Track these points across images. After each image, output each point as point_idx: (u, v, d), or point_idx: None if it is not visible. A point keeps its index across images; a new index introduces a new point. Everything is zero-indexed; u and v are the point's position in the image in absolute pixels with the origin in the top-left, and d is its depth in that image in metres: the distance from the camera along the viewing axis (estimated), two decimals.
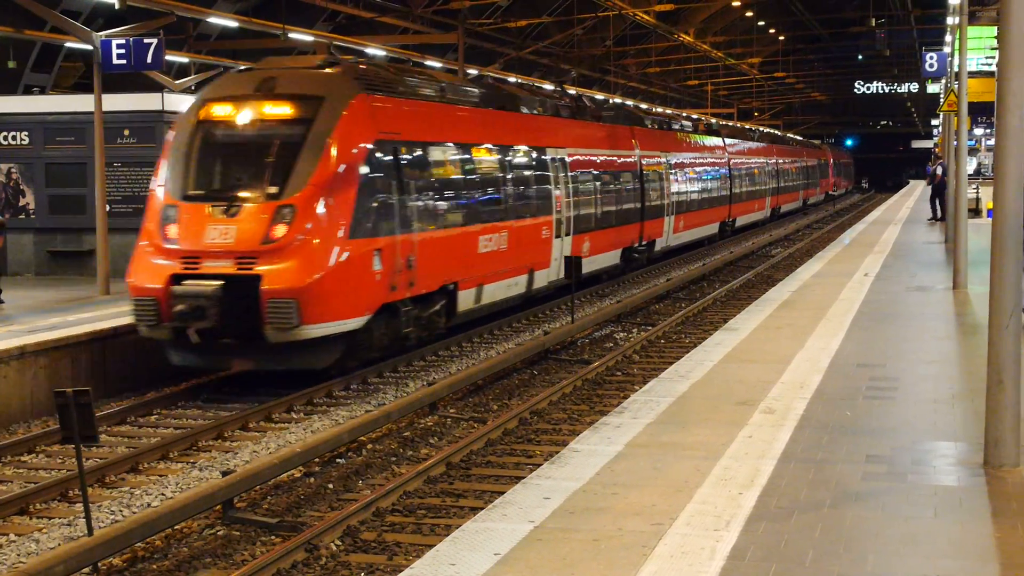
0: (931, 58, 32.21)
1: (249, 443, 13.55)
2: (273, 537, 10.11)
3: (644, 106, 52.43)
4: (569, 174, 24.00)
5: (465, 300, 18.95)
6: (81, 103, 23.43)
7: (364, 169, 15.93)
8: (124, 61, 20.00)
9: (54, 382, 14.92)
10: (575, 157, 24.54)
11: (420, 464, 12.03)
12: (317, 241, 15.11)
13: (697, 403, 10.46)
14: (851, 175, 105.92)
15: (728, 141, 43.97)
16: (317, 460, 12.40)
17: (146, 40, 20.01)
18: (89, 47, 20.53)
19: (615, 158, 27.96)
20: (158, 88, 27.27)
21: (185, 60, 36.96)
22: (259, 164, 15.78)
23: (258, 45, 38.48)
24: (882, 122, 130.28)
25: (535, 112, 23.91)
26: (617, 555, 6.55)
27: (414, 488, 11.29)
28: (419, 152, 17.76)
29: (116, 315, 17.38)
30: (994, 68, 8.09)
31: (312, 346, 15.23)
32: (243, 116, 16.14)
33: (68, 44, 32.25)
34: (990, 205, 8.05)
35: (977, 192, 36.40)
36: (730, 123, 57.56)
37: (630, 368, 17.57)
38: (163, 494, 11.48)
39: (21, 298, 19.75)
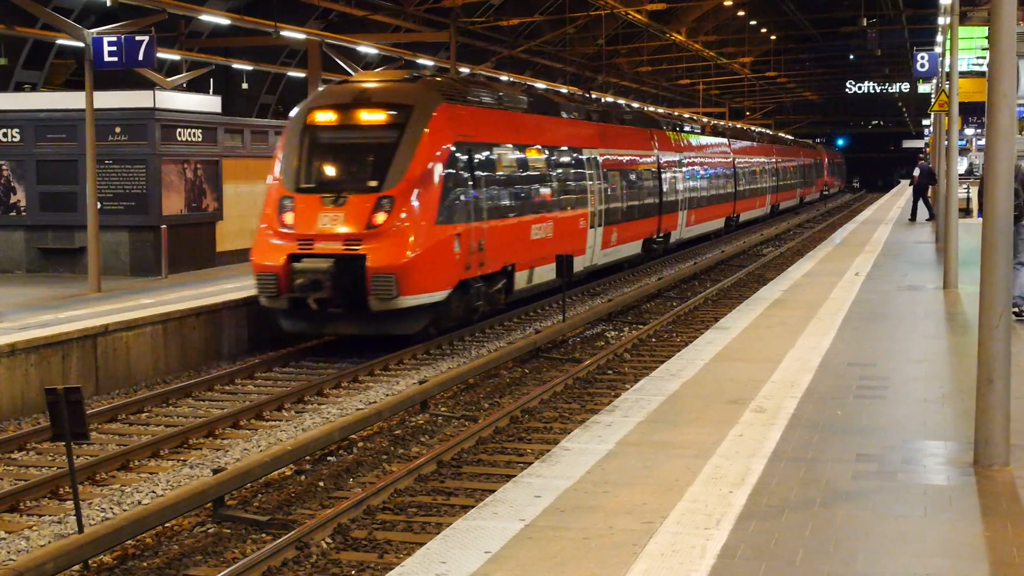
0: (922, 58, 32.25)
1: (240, 441, 13.54)
2: (264, 535, 10.11)
3: (660, 110, 54.58)
4: (601, 172, 26.77)
5: (520, 280, 21.66)
6: (72, 100, 23.42)
7: (447, 166, 18.70)
8: (115, 58, 19.98)
9: (45, 380, 14.91)
10: (606, 157, 27.39)
11: (411, 462, 12.04)
12: (411, 226, 17.83)
13: (688, 402, 10.47)
14: (843, 174, 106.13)
15: (733, 142, 46.80)
16: (308, 458, 12.39)
17: (138, 37, 19.99)
18: (81, 44, 20.51)
19: (638, 158, 30.93)
20: (149, 85, 27.25)
21: (177, 58, 36.94)
22: (361, 162, 18.75)
23: (250, 43, 38.46)
24: (873, 122, 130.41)
25: (573, 116, 26.83)
26: (608, 553, 6.55)
27: (405, 486, 11.29)
28: (486, 152, 20.56)
29: (107, 312, 17.37)
30: (985, 68, 8.12)
31: (406, 315, 18.02)
32: (345, 121, 18.93)
33: (60, 41, 32.21)
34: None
35: (968, 192, 36.46)
36: (734, 125, 61.67)
37: (621, 367, 17.58)
38: (154, 492, 11.47)
39: (12, 295, 19.72)
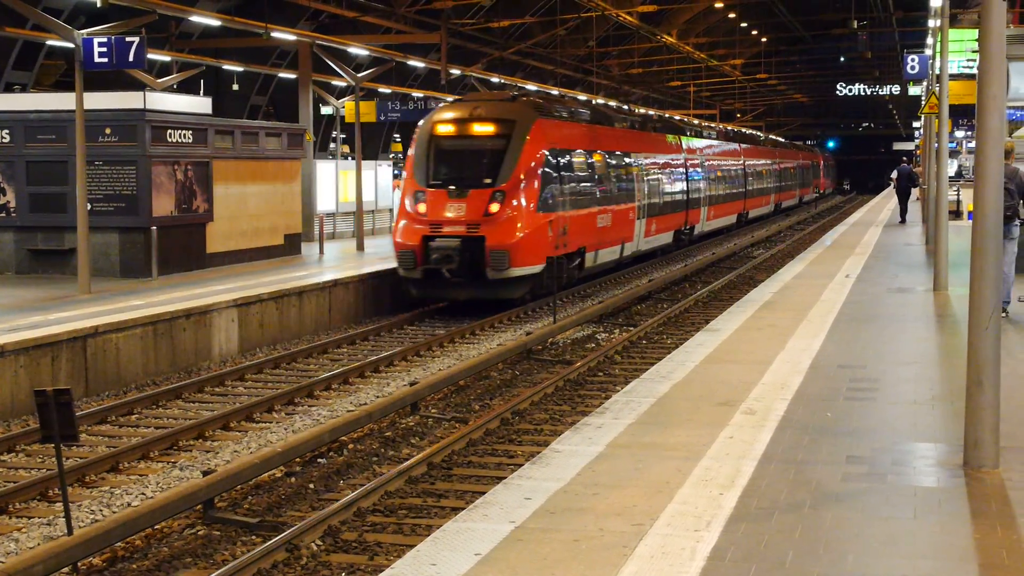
0: (912, 60, 32.27)
1: (230, 443, 13.53)
2: (254, 537, 10.10)
3: (682, 117, 60.23)
4: (644, 172, 31.78)
5: (589, 260, 26.66)
6: (62, 101, 23.37)
7: (542, 168, 23.60)
8: (106, 59, 19.93)
9: (34, 381, 14.89)
10: (647, 159, 32.58)
11: (401, 464, 12.02)
12: (518, 214, 22.81)
13: (678, 404, 10.47)
14: (833, 176, 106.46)
15: (743, 146, 51.84)
16: (298, 460, 12.38)
17: (128, 38, 19.94)
18: (71, 45, 20.46)
19: (671, 161, 35.93)
20: (140, 86, 27.22)
21: (167, 59, 36.90)
22: (477, 164, 23.47)
23: (241, 44, 38.44)
24: (864, 124, 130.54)
25: (622, 126, 32.17)
26: (598, 555, 6.55)
27: (395, 488, 11.29)
28: (568, 156, 25.49)
29: (97, 314, 17.34)
30: (975, 71, 8.12)
31: (514, 283, 22.93)
32: (463, 132, 23.85)
33: (50, 42, 32.16)
34: (971, 207, 8.14)
35: (958, 194, 36.56)
36: (744, 130, 67.27)
37: (612, 369, 17.59)
38: (143, 494, 11.45)
39: (1, 297, 19.68)
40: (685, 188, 37.05)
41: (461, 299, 23.31)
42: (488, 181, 22.95)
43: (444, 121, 24.10)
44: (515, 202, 22.83)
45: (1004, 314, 14.96)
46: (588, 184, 26.76)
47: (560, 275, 24.10)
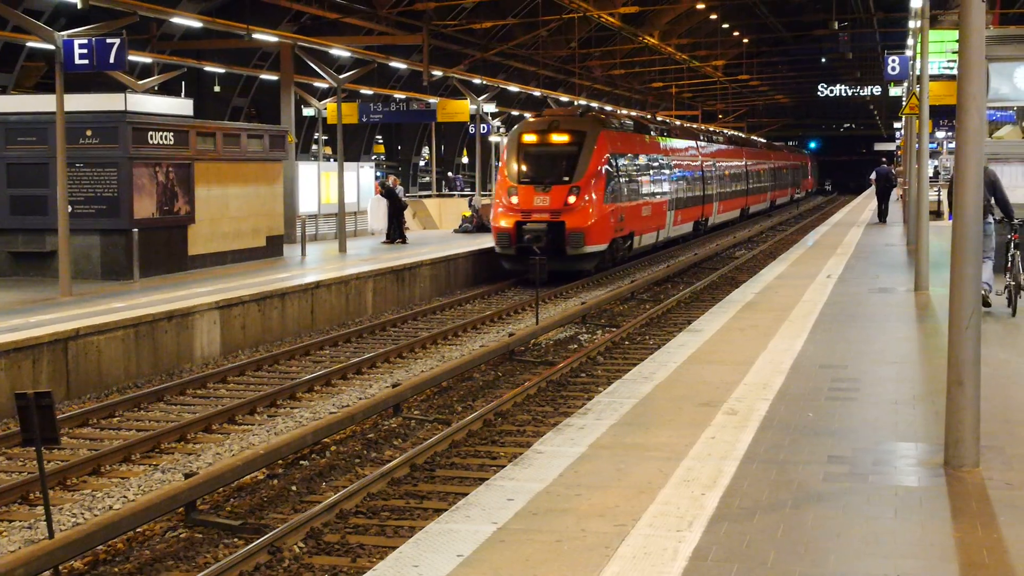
0: (893, 61, 32.38)
1: (212, 445, 13.50)
2: (236, 539, 10.08)
3: (698, 125, 70.08)
4: (672, 173, 38.36)
5: (636, 242, 33.44)
6: (43, 103, 23.26)
7: (605, 168, 29.94)
8: (86, 61, 19.85)
9: (15, 384, 14.83)
10: (675, 162, 39.24)
11: (384, 466, 12.02)
12: (590, 204, 29.18)
13: (661, 404, 10.49)
14: (815, 177, 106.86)
15: (744, 150, 58.32)
16: (281, 462, 12.37)
17: (109, 40, 19.87)
18: (51, 47, 20.38)
19: (691, 163, 42.50)
20: (121, 88, 27.13)
21: (148, 60, 36.80)
22: (557, 165, 29.62)
23: (222, 45, 38.35)
24: (845, 125, 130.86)
25: (656, 134, 38.51)
26: (580, 556, 6.56)
27: (378, 490, 11.28)
28: (623, 160, 31.94)
29: (78, 316, 17.29)
30: (955, 71, 8.15)
31: (587, 257, 29.47)
32: (545, 140, 30.09)
33: (30, 44, 32.02)
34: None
35: (939, 195, 36.70)
36: (742, 134, 76.60)
37: (594, 370, 17.60)
38: (125, 496, 11.42)
39: None
40: (702, 187, 43.88)
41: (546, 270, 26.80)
42: (566, 179, 29.31)
43: (530, 132, 30.37)
44: (587, 195, 29.17)
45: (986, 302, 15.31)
46: (636, 182, 33.36)
47: (617, 253, 31.56)
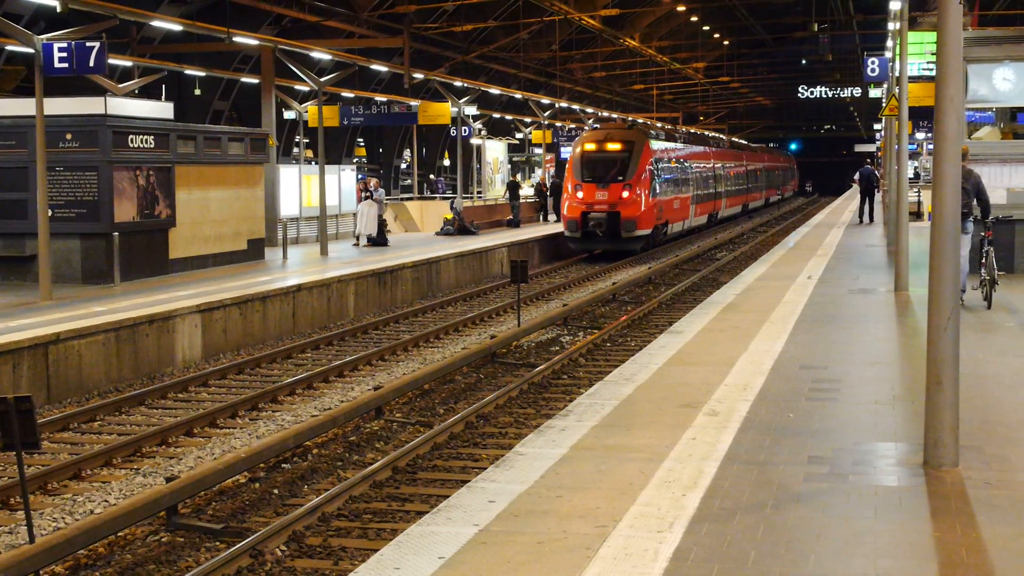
0: (873, 63, 32.44)
1: (194, 449, 13.48)
2: (218, 543, 10.07)
3: (708, 133, 79.29)
4: (694, 173, 46.30)
5: (670, 229, 41.49)
6: (23, 107, 23.19)
7: (649, 170, 37.61)
8: (66, 65, 19.79)
9: None
10: (695, 165, 46.96)
11: (366, 468, 12.01)
12: (639, 199, 36.71)
13: (642, 406, 10.51)
14: (796, 178, 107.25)
15: (744, 153, 66.20)
16: (262, 465, 12.35)
17: (88, 43, 19.82)
18: (31, 50, 20.32)
19: (706, 164, 50.23)
20: (101, 92, 27.06)
21: (128, 64, 36.69)
22: (612, 167, 37.23)
23: (202, 48, 38.30)
24: (825, 126, 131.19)
25: (682, 141, 46.88)
26: (561, 557, 6.57)
27: (360, 492, 11.28)
28: (661, 164, 39.88)
29: (59, 320, 17.24)
30: (934, 73, 8.17)
31: (637, 240, 37.25)
32: (601, 148, 37.83)
33: (9, 47, 31.94)
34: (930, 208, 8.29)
35: (919, 195, 36.84)
36: (741, 141, 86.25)
37: (576, 371, 17.62)
38: (106, 501, 11.39)
39: None
40: (714, 185, 51.72)
41: (604, 249, 37.52)
42: (620, 178, 37.12)
43: (589, 141, 38.58)
44: (636, 191, 37.05)
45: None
46: (670, 181, 41.39)
47: (657, 237, 39.62)
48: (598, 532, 6.98)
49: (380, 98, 48.97)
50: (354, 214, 37.17)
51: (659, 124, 68.93)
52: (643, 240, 37.62)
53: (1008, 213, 19.50)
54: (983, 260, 16.55)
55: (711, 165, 51.48)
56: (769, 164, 76.85)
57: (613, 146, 37.85)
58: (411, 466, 12.28)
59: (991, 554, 6.64)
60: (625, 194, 36.76)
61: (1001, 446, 8.94)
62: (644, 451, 8.81)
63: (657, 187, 38.53)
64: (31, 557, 8.70)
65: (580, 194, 36.99)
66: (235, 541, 9.88)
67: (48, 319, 17.51)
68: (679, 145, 45.66)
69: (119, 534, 10.09)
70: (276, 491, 11.68)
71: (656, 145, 40.14)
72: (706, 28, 74.10)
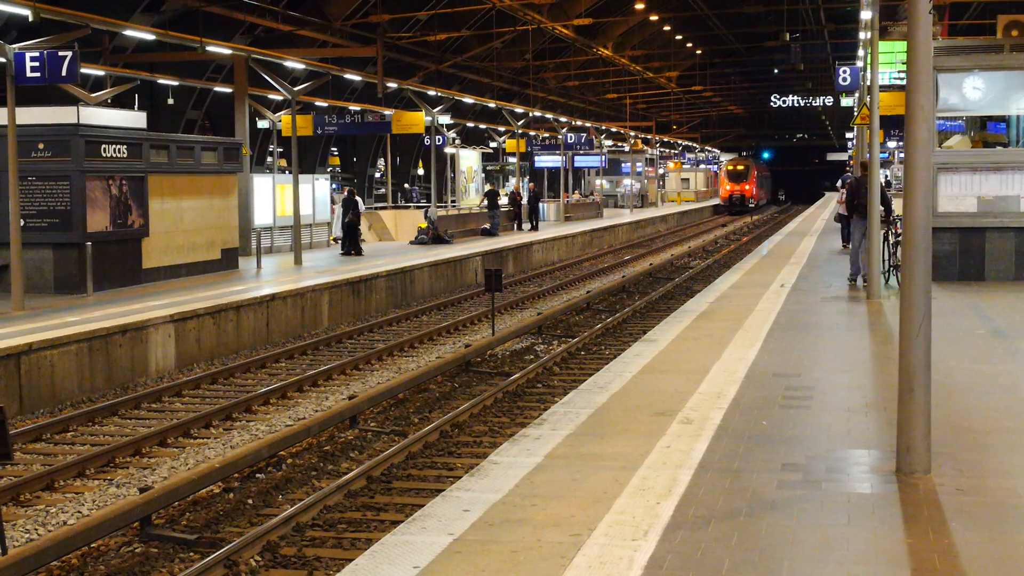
0: (844, 72, 32.51)
1: (167, 459, 13.44)
2: (192, 553, 10.05)
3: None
4: (759, 177, 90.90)
5: (758, 204, 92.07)
6: None
7: (756, 177, 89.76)
8: (38, 74, 19.73)
9: None
10: (760, 174, 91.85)
11: (341, 478, 12.00)
12: (754, 189, 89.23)
13: (616, 414, 10.53)
14: (768, 187, 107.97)
15: (763, 163, 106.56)
16: (236, 475, 12.32)
17: (60, 53, 19.76)
18: (2, 60, 20.24)
19: (760, 172, 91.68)
20: (73, 101, 26.94)
21: (101, 73, 36.54)
22: (742, 177, 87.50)
23: (175, 58, 38.16)
24: (798, 135, 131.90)
25: (754, 164, 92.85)
26: (536, 566, 6.58)
27: (334, 502, 11.26)
28: (757, 175, 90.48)
29: (31, 331, 17.16)
30: (905, 82, 8.22)
31: (754, 209, 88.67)
32: (735, 168, 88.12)
33: None
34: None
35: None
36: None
37: (550, 380, 17.65)
38: (79, 512, 11.35)
39: None
40: (759, 183, 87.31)
41: (739, 212, 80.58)
42: (744, 181, 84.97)
43: (730, 165, 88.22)
44: (752, 186, 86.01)
45: (852, 282, 21.17)
46: (757, 182, 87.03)
47: (758, 206, 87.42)
48: (573, 541, 7.00)
49: (354, 107, 48.98)
50: (328, 223, 37.19)
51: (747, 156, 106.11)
52: (756, 209, 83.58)
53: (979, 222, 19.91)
54: (893, 251, 20.86)
55: (757, 172, 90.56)
56: (756, 172, 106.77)
57: (740, 167, 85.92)
58: (386, 475, 12.28)
59: (963, 561, 6.68)
60: (748, 188, 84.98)
61: (973, 452, 8.99)
62: (618, 459, 8.83)
63: (759, 185, 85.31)
64: (3, 569, 8.66)
65: (727, 186, 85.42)
66: (209, 551, 9.86)
67: (20, 329, 17.43)
68: (755, 165, 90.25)
69: (92, 545, 10.05)
70: (250, 501, 11.65)
71: (755, 166, 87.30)
72: (679, 37, 74.44)
